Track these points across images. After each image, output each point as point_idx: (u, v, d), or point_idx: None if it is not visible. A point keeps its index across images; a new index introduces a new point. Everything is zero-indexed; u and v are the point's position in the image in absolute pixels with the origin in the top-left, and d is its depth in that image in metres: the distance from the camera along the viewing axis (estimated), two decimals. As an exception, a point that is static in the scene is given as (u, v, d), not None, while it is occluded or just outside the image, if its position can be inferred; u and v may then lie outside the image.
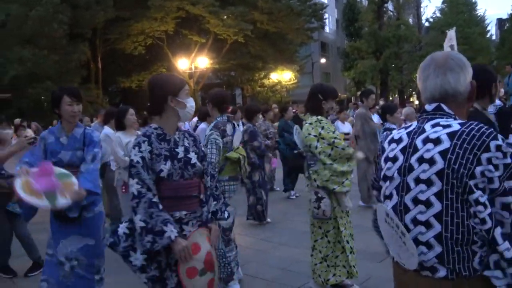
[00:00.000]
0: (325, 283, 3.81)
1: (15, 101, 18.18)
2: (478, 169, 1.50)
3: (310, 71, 35.45)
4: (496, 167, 1.50)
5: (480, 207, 1.50)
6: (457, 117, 1.67)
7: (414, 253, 1.58)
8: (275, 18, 26.19)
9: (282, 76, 30.24)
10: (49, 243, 3.34)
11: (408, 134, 1.69)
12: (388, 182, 1.72)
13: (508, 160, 1.51)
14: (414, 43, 34.23)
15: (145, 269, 2.40)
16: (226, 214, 2.76)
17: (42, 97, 20.06)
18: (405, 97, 36.10)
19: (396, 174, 1.68)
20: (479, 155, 1.50)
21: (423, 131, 1.64)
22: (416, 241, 1.59)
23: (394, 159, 1.70)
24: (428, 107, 1.71)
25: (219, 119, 4.12)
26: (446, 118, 1.65)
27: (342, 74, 38.57)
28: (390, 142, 1.77)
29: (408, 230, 1.61)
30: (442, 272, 1.56)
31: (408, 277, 1.67)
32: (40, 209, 5.37)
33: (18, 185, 2.96)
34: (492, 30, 48.71)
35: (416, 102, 28.67)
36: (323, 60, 39.66)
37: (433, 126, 1.63)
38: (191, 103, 2.54)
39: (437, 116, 1.67)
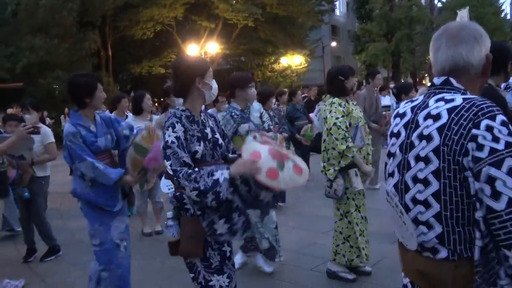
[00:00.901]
0: (349, 263, 3.85)
1: (28, 90, 18.32)
2: (470, 146, 1.40)
3: (321, 55, 35.14)
4: (480, 147, 1.38)
5: (478, 185, 1.41)
6: (467, 92, 1.56)
7: (414, 233, 1.54)
8: (285, 2, 25.89)
9: (293, 61, 30.05)
10: (92, 234, 3.28)
11: (412, 108, 1.62)
12: (391, 159, 1.67)
13: (499, 146, 1.37)
14: (427, 24, 33.65)
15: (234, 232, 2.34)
16: None
17: (54, 86, 20.19)
18: (417, 79, 35.68)
19: (398, 151, 1.62)
20: (470, 130, 1.41)
21: (426, 106, 1.56)
22: (416, 221, 1.54)
23: (398, 135, 1.64)
24: (437, 81, 1.61)
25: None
26: (454, 92, 1.55)
27: (353, 58, 38.16)
28: (395, 117, 1.70)
29: (408, 209, 1.56)
30: (443, 253, 1.50)
31: (410, 257, 1.63)
32: (55, 195, 5.44)
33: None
34: (507, 9, 47.75)
35: (429, 84, 28.31)
36: (333, 44, 39.26)
37: (437, 101, 1.54)
38: (215, 85, 2.53)
39: (445, 90, 1.57)
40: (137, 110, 5.65)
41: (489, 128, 1.39)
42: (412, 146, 1.56)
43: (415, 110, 1.60)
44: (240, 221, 2.32)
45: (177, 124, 2.34)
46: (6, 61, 18.96)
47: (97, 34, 22.84)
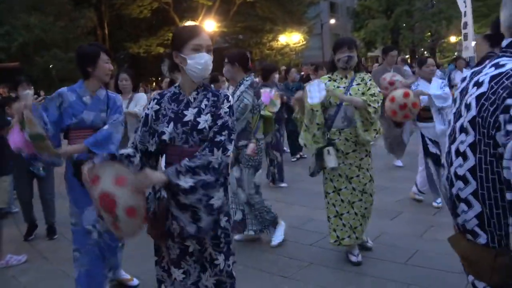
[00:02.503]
0: (339, 241, 3.71)
1: (25, 69, 18.20)
2: (502, 118, 1.25)
3: (319, 33, 34.80)
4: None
5: (505, 162, 1.26)
6: None
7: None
8: (283, -22, 25.58)
9: (291, 38, 29.78)
10: (71, 212, 3.21)
11: (472, 73, 1.47)
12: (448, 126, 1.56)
13: None
14: (426, 0, 33.27)
15: None
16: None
17: (51, 65, 20.06)
18: (416, 56, 35.41)
19: (452, 118, 1.50)
20: (504, 100, 1.25)
21: (481, 71, 1.42)
22: (458, 198, 1.43)
23: (455, 101, 1.52)
24: (504, 42, 1.42)
25: (249, 78, 4.13)
26: None
27: (352, 35, 37.77)
28: (461, 81, 1.55)
29: (453, 184, 1.45)
30: (482, 238, 1.37)
31: (457, 238, 1.51)
32: (56, 176, 5.46)
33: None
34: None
35: (428, 61, 28.05)
36: (332, 21, 38.81)
37: (491, 66, 1.38)
38: (198, 60, 2.12)
39: (506, 54, 1.38)
40: (117, 89, 5.58)
41: None
42: (460, 115, 1.44)
43: (472, 75, 1.47)
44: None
45: (153, 101, 2.27)
46: (1, 40, 18.80)
47: (93, 12, 22.60)
